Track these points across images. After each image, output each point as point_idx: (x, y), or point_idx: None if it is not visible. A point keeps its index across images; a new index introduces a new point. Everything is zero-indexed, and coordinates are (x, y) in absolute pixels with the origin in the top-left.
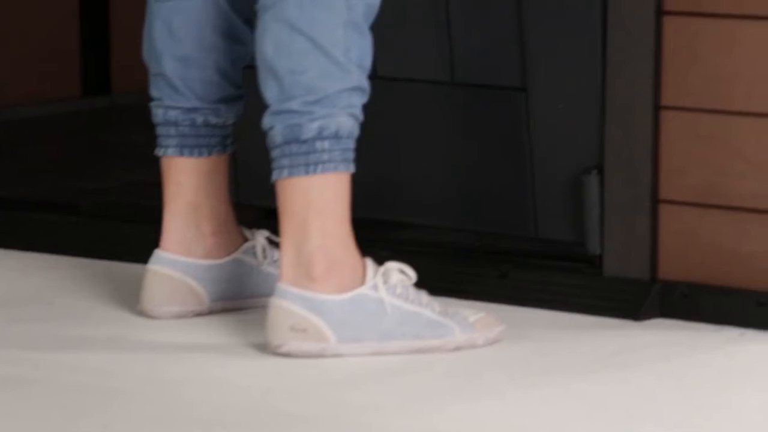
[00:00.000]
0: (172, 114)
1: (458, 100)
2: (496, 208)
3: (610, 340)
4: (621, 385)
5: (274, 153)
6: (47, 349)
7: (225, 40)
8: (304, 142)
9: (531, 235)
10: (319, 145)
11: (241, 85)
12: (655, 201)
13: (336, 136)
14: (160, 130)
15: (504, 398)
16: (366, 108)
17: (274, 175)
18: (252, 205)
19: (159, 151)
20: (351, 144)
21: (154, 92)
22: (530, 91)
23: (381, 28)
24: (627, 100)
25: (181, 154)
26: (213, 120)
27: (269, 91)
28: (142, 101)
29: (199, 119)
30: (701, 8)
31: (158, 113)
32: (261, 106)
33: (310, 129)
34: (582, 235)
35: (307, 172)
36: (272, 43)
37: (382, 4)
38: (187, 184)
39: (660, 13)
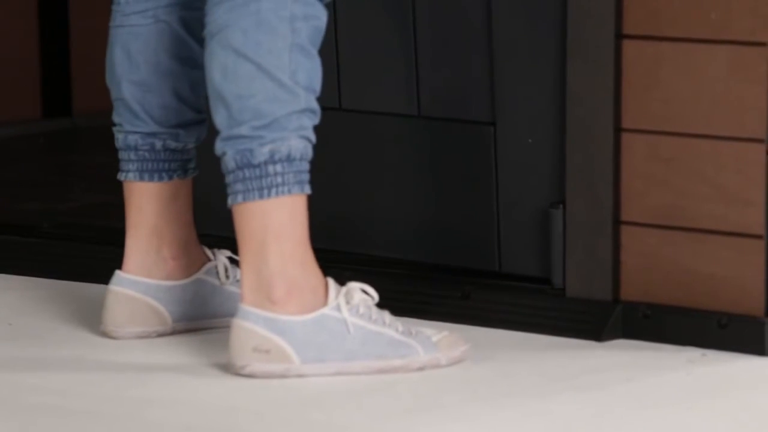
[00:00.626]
0: (132, 139)
1: (425, 134)
2: (461, 242)
3: (573, 360)
4: (584, 405)
5: (228, 179)
6: (7, 369)
7: (182, 65)
8: (257, 166)
9: (494, 269)
10: (271, 168)
11: (202, 109)
12: (617, 223)
13: (288, 159)
14: (121, 155)
15: (468, 419)
16: (330, 141)
17: (230, 201)
18: (209, 235)
19: (120, 176)
20: (305, 166)
21: (115, 117)
22: (499, 125)
23: (346, 61)
24: (588, 123)
25: (142, 178)
26: (172, 144)
27: (218, 116)
28: (103, 123)
29: (159, 144)
30: (660, 32)
31: (119, 138)
32: (215, 141)
33: (262, 153)
34: (547, 270)
35: (261, 196)
36: (219, 69)
37: (349, 37)
38: (148, 208)
39: (619, 36)
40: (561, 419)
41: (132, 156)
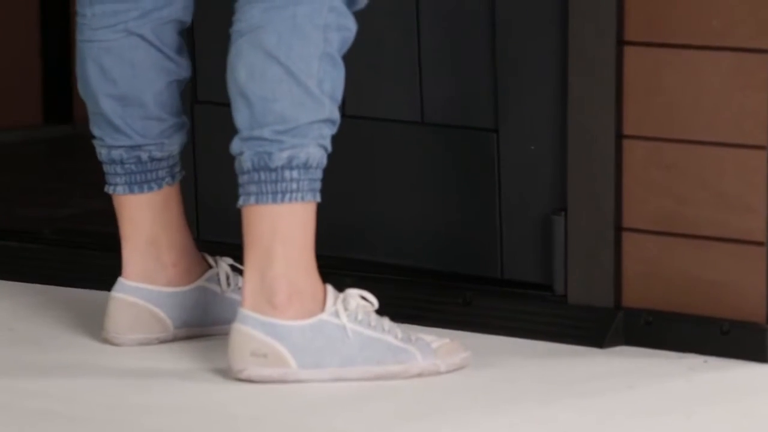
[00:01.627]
0: (116, 154)
1: (428, 141)
2: (463, 249)
3: (575, 367)
4: (585, 412)
5: (242, 179)
6: (8, 375)
7: (159, 75)
8: (273, 170)
9: (496, 275)
10: (287, 174)
11: (181, 112)
12: (619, 229)
13: (305, 166)
14: (106, 168)
15: (469, 425)
16: (334, 147)
17: (241, 201)
18: (211, 241)
19: (108, 189)
20: (319, 174)
21: (95, 130)
22: (501, 132)
23: (351, 67)
24: (589, 129)
25: (131, 191)
26: (158, 154)
27: (240, 116)
28: None
29: (144, 156)
30: (662, 39)
31: (102, 152)
32: (219, 145)
33: (280, 158)
34: (548, 276)
35: (274, 201)
36: (246, 68)
37: (354, 42)
38: (142, 220)
39: (621, 43)
40: (562, 426)
41: (118, 170)
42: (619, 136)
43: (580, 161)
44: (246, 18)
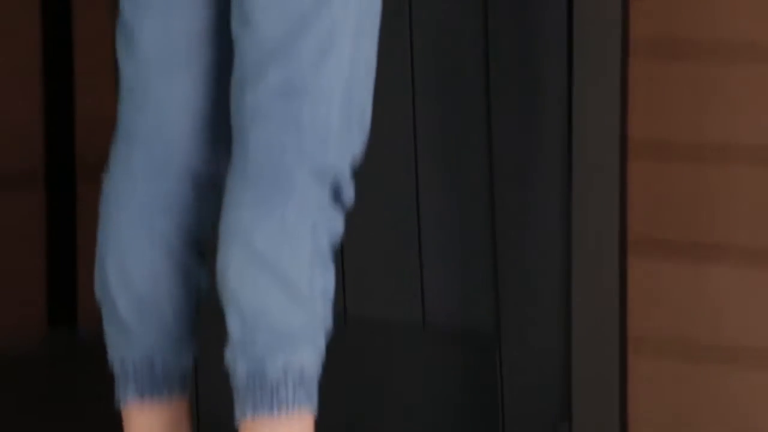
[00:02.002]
0: (129, 360)
1: (428, 344)
2: None
3: None
4: None
5: (238, 391)
6: None
7: (179, 278)
8: (269, 382)
9: None
10: (283, 386)
11: (198, 324)
12: None
13: (300, 376)
14: (117, 376)
15: None
16: (331, 348)
17: (238, 414)
18: None
19: (118, 397)
20: (315, 381)
21: (108, 336)
22: (503, 336)
23: (352, 268)
24: (593, 338)
25: (142, 400)
26: (171, 362)
27: (231, 323)
28: None
29: (158, 364)
30: (664, 241)
31: (114, 356)
32: (219, 358)
33: (275, 369)
34: None
35: (271, 413)
36: (236, 273)
37: (355, 243)
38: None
39: (624, 250)
40: None
41: (129, 378)
42: (624, 347)
43: (585, 370)
44: (236, 220)
